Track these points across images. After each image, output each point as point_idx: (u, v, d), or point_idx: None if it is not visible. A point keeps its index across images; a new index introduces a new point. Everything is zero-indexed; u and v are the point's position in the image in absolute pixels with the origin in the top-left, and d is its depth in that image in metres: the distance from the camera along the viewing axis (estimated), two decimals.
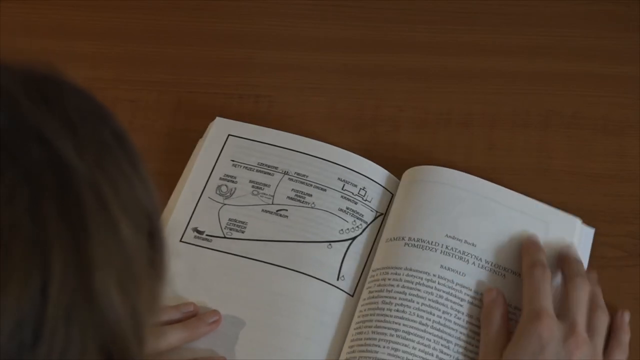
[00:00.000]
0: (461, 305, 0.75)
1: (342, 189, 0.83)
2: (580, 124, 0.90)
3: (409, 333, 0.74)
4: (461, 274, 0.77)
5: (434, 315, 0.75)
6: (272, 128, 0.87)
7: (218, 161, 0.85)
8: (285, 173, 0.84)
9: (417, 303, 0.75)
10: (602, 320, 0.73)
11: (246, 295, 0.78)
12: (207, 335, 0.76)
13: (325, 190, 0.83)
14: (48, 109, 0.43)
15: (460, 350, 0.74)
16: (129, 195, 0.44)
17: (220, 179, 0.84)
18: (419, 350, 0.73)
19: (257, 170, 0.84)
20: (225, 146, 0.86)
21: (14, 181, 0.40)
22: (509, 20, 0.97)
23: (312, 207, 0.82)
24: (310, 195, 0.83)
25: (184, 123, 0.90)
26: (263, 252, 0.80)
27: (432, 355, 0.73)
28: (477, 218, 0.79)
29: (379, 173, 0.84)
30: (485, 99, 0.92)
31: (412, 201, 0.81)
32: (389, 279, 0.77)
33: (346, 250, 0.80)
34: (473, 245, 0.78)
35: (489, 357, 0.71)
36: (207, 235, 0.81)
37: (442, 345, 0.74)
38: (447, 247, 0.78)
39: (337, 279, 0.79)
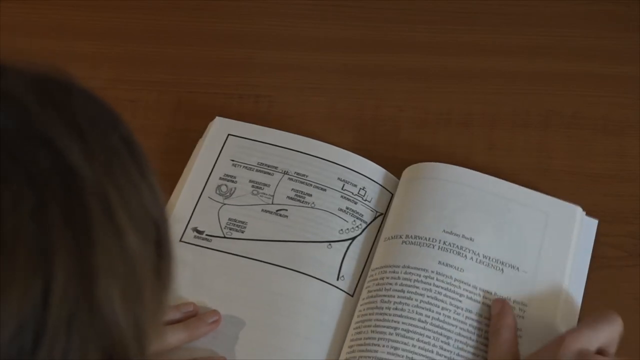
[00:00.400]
0: (460, 301, 0.75)
1: (342, 189, 0.83)
2: (580, 124, 0.90)
3: (408, 331, 0.74)
4: (459, 269, 0.77)
5: (433, 312, 0.75)
6: (272, 128, 0.87)
7: (218, 161, 0.85)
8: (285, 173, 0.84)
9: (416, 300, 0.75)
10: None
11: (246, 295, 0.78)
12: (207, 335, 0.76)
13: (325, 190, 0.83)
14: (56, 114, 0.42)
15: (461, 345, 0.74)
16: (137, 203, 0.44)
17: (220, 178, 0.84)
18: (419, 347, 0.73)
19: (257, 170, 0.85)
20: (225, 146, 0.86)
21: (19, 186, 0.40)
22: (509, 20, 0.97)
23: (312, 207, 0.82)
24: (310, 195, 0.83)
25: (184, 123, 0.90)
26: (263, 252, 0.80)
27: (432, 352, 0.73)
28: (475, 212, 0.79)
29: (379, 173, 0.85)
30: (485, 99, 0.92)
31: (409, 199, 0.81)
32: (387, 278, 0.77)
33: (346, 250, 0.80)
34: (471, 239, 0.78)
35: None
36: (206, 235, 0.81)
37: (442, 341, 0.74)
38: (444, 243, 0.78)
39: (337, 279, 0.79)
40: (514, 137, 0.89)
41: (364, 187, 0.83)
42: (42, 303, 0.39)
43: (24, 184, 0.40)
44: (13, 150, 0.40)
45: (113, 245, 0.41)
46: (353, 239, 0.81)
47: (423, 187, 0.81)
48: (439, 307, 0.75)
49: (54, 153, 0.41)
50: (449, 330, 0.74)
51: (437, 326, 0.74)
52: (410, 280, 0.76)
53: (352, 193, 0.83)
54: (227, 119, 0.88)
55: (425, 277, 0.76)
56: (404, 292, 0.76)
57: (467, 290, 0.76)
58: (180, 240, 0.81)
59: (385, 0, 0.99)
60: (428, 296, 0.75)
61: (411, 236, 0.78)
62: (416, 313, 0.75)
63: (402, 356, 0.73)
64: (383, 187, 0.84)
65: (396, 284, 0.76)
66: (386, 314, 0.75)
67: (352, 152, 0.85)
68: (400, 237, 0.79)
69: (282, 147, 0.86)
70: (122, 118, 0.47)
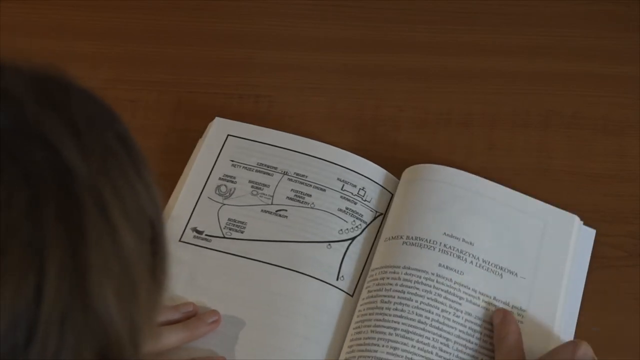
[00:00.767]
0: (460, 304, 0.75)
1: (342, 189, 0.83)
2: (580, 124, 0.90)
3: (408, 332, 0.74)
4: (459, 272, 0.77)
5: (432, 313, 0.75)
6: (272, 128, 0.87)
7: (217, 161, 0.85)
8: (285, 173, 0.84)
9: (416, 302, 0.75)
10: None
11: (245, 295, 0.78)
12: (207, 335, 0.76)
13: (324, 190, 0.83)
14: (53, 112, 0.43)
15: (460, 348, 0.74)
16: (132, 202, 0.44)
17: (220, 179, 0.84)
18: (418, 348, 0.73)
19: (257, 171, 0.84)
20: (224, 146, 0.86)
21: (14, 182, 0.40)
22: (509, 20, 0.97)
23: (311, 207, 0.82)
24: (310, 196, 0.83)
25: (184, 123, 0.90)
26: (262, 252, 0.80)
27: (432, 353, 0.73)
28: (475, 216, 0.79)
29: (379, 173, 0.84)
30: (485, 99, 0.92)
31: (410, 200, 0.81)
32: (388, 278, 0.77)
33: (345, 250, 0.80)
34: (471, 244, 0.78)
35: None
36: (206, 235, 0.81)
37: (441, 343, 0.74)
38: (445, 246, 0.78)
39: (337, 279, 0.79)
40: (514, 137, 0.89)
41: (363, 188, 0.83)
42: (35, 300, 0.39)
43: (19, 182, 0.40)
44: (10, 148, 0.41)
45: (107, 244, 0.41)
46: (353, 239, 0.81)
47: (424, 188, 0.81)
48: (438, 308, 0.75)
49: (50, 151, 0.41)
50: (448, 332, 0.74)
51: (437, 328, 0.74)
52: (410, 281, 0.76)
53: (352, 193, 0.83)
54: (226, 120, 0.88)
55: (426, 278, 0.76)
56: (404, 292, 0.76)
57: (466, 294, 0.76)
58: (180, 240, 0.81)
59: (385, 0, 0.99)
60: (428, 298, 0.75)
61: (412, 237, 0.78)
62: (416, 314, 0.75)
63: (402, 356, 0.73)
64: (383, 187, 0.84)
65: (396, 284, 0.76)
66: (386, 314, 0.75)
67: (352, 152, 0.85)
68: (401, 237, 0.79)
69: (282, 148, 0.86)
70: (121, 118, 0.47)
